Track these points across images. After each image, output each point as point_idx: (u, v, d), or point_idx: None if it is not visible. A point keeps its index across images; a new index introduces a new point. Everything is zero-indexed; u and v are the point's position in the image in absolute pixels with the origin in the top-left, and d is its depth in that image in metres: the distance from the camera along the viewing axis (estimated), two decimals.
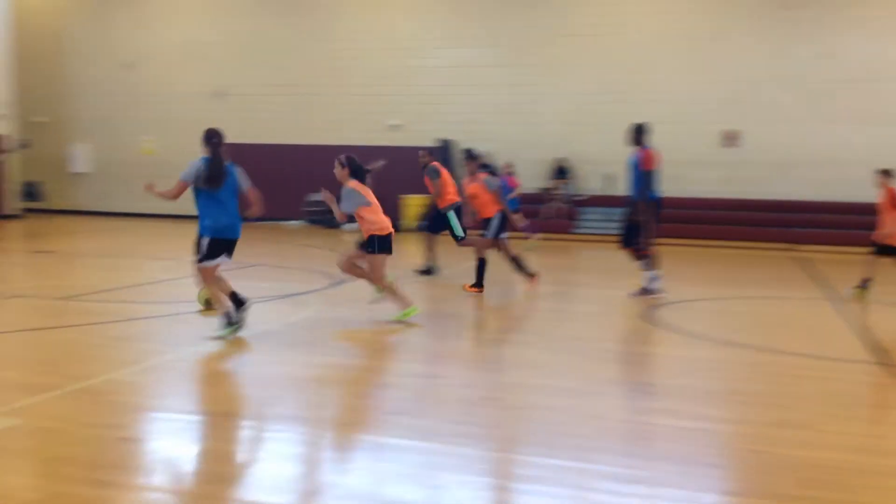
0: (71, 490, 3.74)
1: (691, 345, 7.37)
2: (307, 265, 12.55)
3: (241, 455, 4.44)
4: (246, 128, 21.54)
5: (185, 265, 12.46)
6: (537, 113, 19.94)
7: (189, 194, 7.03)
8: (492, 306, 9.68)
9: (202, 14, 22.12)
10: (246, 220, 7.15)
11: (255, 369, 6.25)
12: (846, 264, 13.37)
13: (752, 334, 7.94)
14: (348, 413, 5.20)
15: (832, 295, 10.44)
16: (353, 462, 4.37)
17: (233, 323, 6.92)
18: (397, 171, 20.52)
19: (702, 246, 17.06)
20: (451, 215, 10.79)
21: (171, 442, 4.55)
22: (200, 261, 7.08)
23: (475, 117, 20.21)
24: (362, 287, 10.36)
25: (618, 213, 11.74)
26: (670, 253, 12.85)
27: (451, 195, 11.04)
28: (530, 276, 10.20)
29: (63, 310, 8.33)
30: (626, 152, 9.83)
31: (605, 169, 18.91)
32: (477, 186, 10.19)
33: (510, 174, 15.99)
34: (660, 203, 9.65)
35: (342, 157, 7.96)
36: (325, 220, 20.82)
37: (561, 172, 19.59)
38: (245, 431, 4.74)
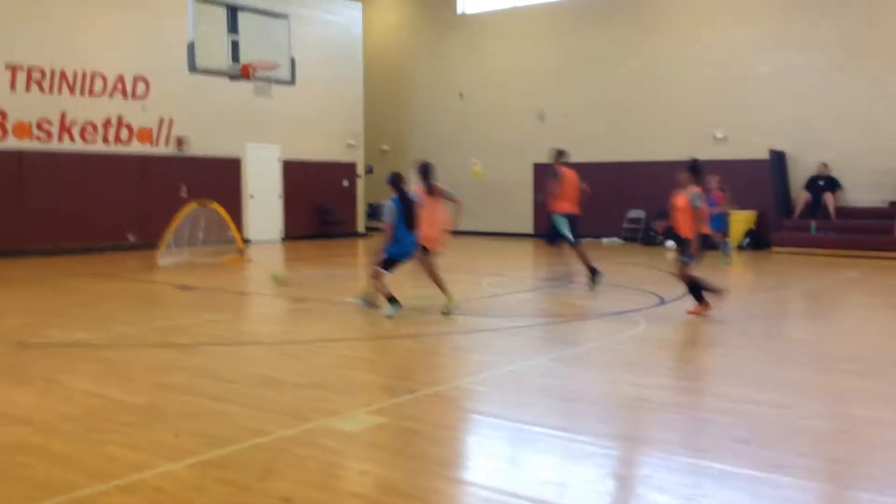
0: (435, 486, 4.12)
1: None
2: (630, 283, 12.49)
3: (571, 469, 4.54)
4: (566, 147, 22.00)
5: (513, 281, 13.08)
6: (876, 119, 18.02)
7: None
8: (811, 329, 8.92)
9: (525, 41, 23.06)
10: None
11: (586, 385, 6.37)
12: None
13: None
14: (688, 437, 5.10)
15: None
16: (698, 488, 4.28)
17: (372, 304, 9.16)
18: (725, 185, 19.74)
19: None
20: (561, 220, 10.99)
21: (507, 449, 4.79)
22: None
23: (806, 126, 18.78)
24: (688, 307, 10.13)
25: None
26: None
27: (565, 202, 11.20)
28: (709, 296, 9.16)
29: (413, 320, 9.14)
30: None
31: None
32: (684, 199, 9.20)
33: (720, 190, 15.43)
34: None
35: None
36: (644, 236, 20.60)
37: None
38: (576, 446, 4.84)
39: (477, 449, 4.83)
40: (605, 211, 21.25)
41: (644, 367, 6.90)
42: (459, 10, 24.41)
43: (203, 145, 19.80)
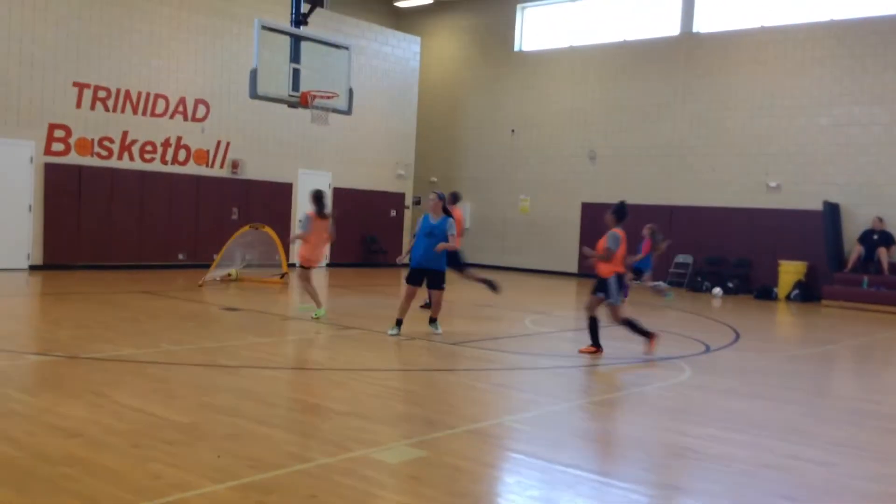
0: None
1: None
2: (675, 329, 12.35)
3: None
4: (615, 188, 22.01)
5: (556, 319, 13.01)
6: None
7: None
8: (861, 386, 8.69)
9: (580, 81, 23.15)
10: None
11: (628, 431, 6.30)
12: None
13: None
14: (732, 490, 5.00)
15: None
16: None
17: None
18: (776, 234, 19.49)
19: None
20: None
21: (547, 491, 4.75)
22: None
23: (864, 179, 18.48)
24: (739, 357, 9.98)
25: None
26: None
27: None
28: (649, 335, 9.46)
29: (454, 354, 9.15)
30: None
31: None
32: (603, 241, 9.48)
33: (650, 238, 15.86)
34: None
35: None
36: (690, 282, 20.35)
37: None
38: (617, 492, 4.77)
39: (517, 489, 4.80)
40: (653, 254, 21.10)
41: (688, 416, 6.81)
42: (517, 48, 24.62)
43: (257, 169, 20.18)
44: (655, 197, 21.44)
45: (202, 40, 18.92)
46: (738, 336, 11.94)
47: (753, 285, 19.48)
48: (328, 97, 13.29)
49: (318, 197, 11.53)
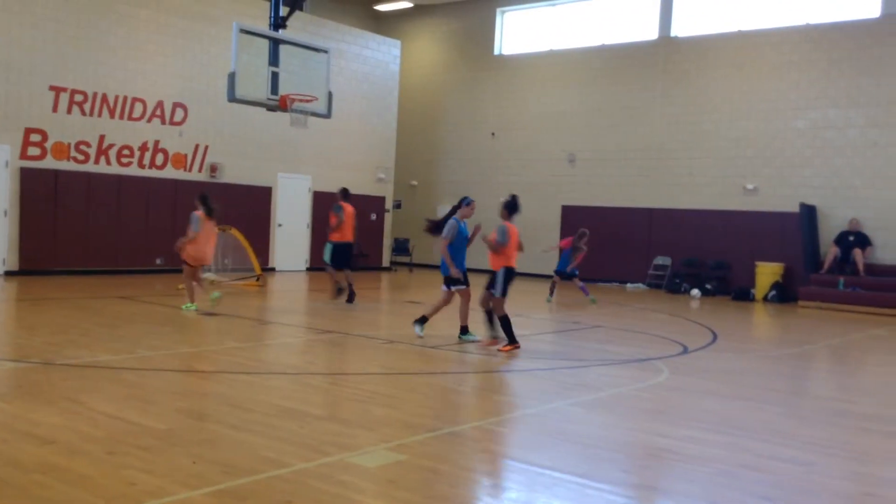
0: None
1: None
2: (653, 330, 12.41)
3: None
4: (594, 191, 22.13)
5: (535, 322, 13.04)
6: None
7: None
8: (837, 386, 8.78)
9: (560, 85, 23.24)
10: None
11: (607, 432, 6.31)
12: None
13: None
14: (710, 490, 5.02)
15: None
16: None
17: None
18: (753, 236, 19.66)
19: None
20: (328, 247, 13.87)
21: (526, 493, 4.74)
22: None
23: (840, 181, 18.69)
24: (717, 358, 10.04)
25: None
26: None
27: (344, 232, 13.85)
28: (494, 338, 9.69)
29: (433, 357, 9.14)
30: None
31: None
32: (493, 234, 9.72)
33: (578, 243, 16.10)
34: None
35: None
36: (668, 284, 20.47)
37: None
38: (595, 493, 4.77)
39: (495, 492, 4.79)
40: (632, 257, 21.22)
41: (666, 417, 6.84)
42: (496, 52, 24.68)
43: (236, 173, 20.07)
44: (634, 200, 21.56)
45: (180, 43, 18.81)
46: (715, 337, 12.01)
47: (731, 287, 19.63)
48: (307, 100, 13.25)
49: (204, 199, 12.22)
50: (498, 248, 9.52)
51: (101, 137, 17.56)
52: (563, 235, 22.03)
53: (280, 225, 21.31)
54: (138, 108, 18.13)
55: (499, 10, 24.68)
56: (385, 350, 9.46)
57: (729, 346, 11.23)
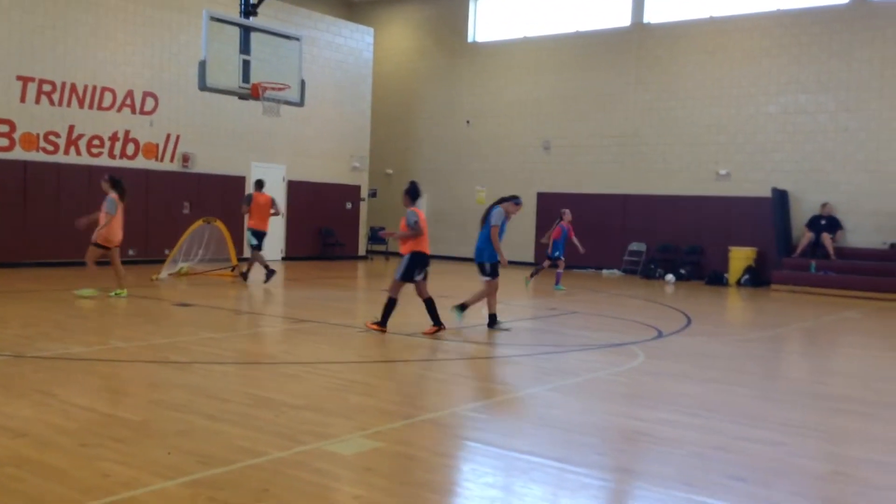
0: None
1: None
2: (629, 315, 12.50)
3: (565, 500, 4.50)
4: (569, 178, 22.19)
5: (512, 309, 13.08)
6: (882, 162, 18.12)
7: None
8: (809, 368, 8.90)
9: (534, 72, 23.24)
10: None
11: (583, 417, 6.35)
12: None
13: None
14: (684, 472, 5.08)
15: None
16: None
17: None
18: (726, 221, 19.84)
19: None
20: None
21: (502, 478, 4.76)
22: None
23: (811, 166, 18.90)
24: (691, 342, 10.13)
25: None
26: None
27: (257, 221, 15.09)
28: (436, 325, 9.71)
29: (410, 344, 9.14)
30: None
31: None
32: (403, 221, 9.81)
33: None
34: None
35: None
36: (643, 269, 20.60)
37: None
38: (572, 477, 4.80)
39: (472, 477, 4.81)
40: (607, 243, 21.33)
41: (641, 401, 6.90)
42: (470, 39, 24.62)
43: (208, 162, 19.89)
44: (609, 186, 21.66)
45: (149, 31, 18.57)
46: (689, 321, 12.12)
47: (705, 271, 19.81)
48: (279, 89, 13.15)
49: (115, 182, 12.49)
50: (418, 233, 9.59)
51: (71, 128, 17.32)
52: (539, 223, 22.10)
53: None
54: (108, 97, 17.89)
55: None
56: (362, 338, 9.45)
57: (703, 330, 11.34)
